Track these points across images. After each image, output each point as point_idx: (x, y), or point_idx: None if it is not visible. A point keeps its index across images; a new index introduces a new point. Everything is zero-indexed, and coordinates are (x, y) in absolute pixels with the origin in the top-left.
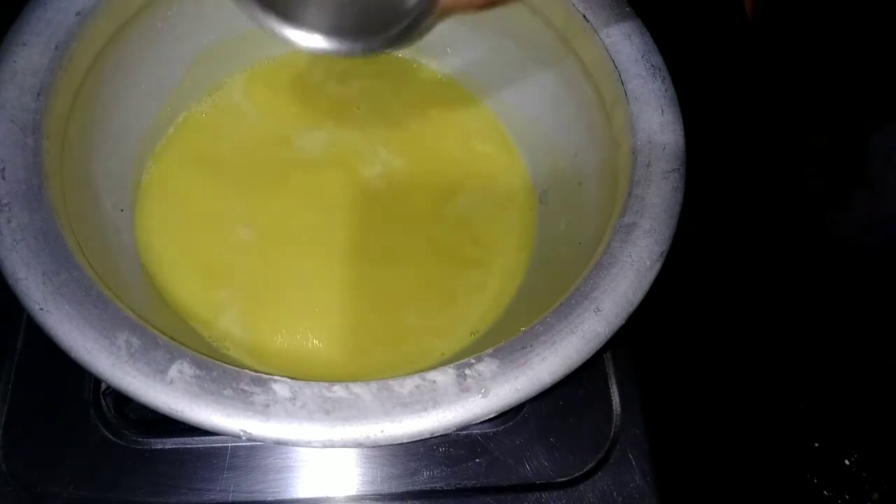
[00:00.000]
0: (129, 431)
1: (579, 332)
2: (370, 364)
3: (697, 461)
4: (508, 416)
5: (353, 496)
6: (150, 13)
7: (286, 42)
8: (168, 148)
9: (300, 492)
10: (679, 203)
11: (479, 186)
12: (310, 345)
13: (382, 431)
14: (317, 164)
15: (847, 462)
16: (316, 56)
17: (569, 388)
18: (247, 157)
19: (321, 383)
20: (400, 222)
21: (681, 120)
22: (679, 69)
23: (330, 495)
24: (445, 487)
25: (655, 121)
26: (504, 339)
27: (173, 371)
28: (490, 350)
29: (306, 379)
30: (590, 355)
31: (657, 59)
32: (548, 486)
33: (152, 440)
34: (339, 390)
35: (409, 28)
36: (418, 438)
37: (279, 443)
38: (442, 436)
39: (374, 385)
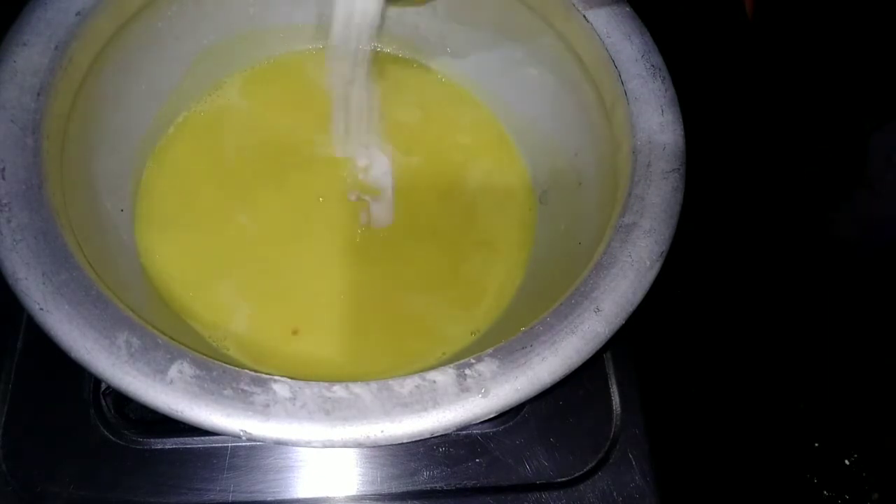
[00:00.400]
0: (129, 431)
1: (579, 332)
2: (370, 363)
3: (697, 461)
4: (508, 416)
5: (353, 496)
6: (150, 13)
7: None
8: (168, 148)
9: (300, 492)
10: (679, 203)
11: (479, 186)
12: (310, 344)
13: (382, 431)
14: (317, 164)
15: (847, 462)
16: (315, 56)
17: (569, 388)
18: (247, 157)
19: (321, 383)
20: (400, 222)
21: (681, 120)
22: (679, 69)
23: (330, 495)
24: (445, 487)
25: (655, 121)
26: (504, 338)
27: (173, 371)
28: (490, 350)
29: (306, 379)
30: (590, 355)
31: (657, 59)
32: (548, 486)
33: (152, 440)
34: (339, 390)
35: None
36: (418, 438)
37: (279, 443)
38: (442, 436)
39: (374, 385)
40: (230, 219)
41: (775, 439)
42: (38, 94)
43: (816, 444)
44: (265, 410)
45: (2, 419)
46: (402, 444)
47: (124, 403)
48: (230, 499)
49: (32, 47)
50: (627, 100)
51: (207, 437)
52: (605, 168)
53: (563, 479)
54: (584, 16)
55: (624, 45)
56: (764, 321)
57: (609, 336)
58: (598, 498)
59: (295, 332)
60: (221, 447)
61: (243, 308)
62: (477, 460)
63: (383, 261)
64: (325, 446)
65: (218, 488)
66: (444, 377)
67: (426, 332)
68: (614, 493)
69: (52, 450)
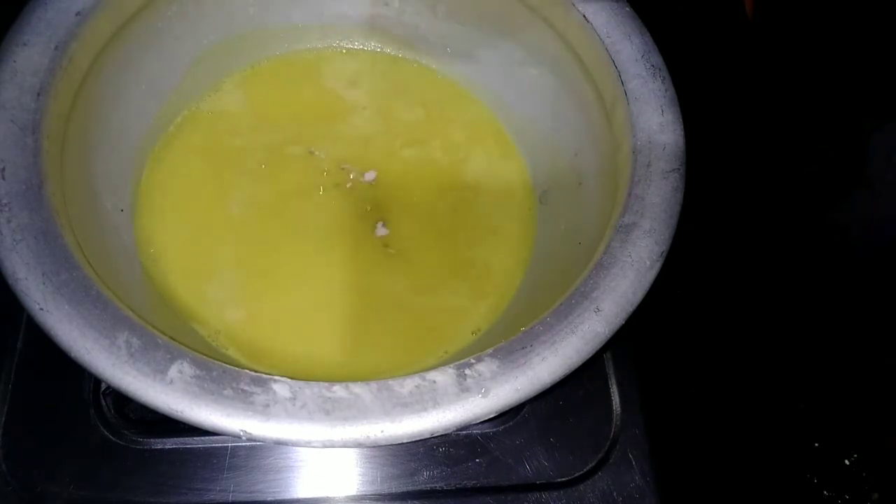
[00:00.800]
0: (129, 431)
1: (579, 332)
2: (370, 363)
3: (697, 461)
4: (508, 416)
5: (353, 496)
6: (150, 13)
7: None
8: (168, 148)
9: (300, 492)
10: (679, 203)
11: (480, 186)
12: (310, 344)
13: (382, 431)
14: (317, 164)
15: (847, 462)
16: (315, 55)
17: (569, 388)
18: (247, 157)
19: (321, 383)
20: (400, 222)
21: (681, 120)
22: (679, 69)
23: (330, 495)
24: (445, 487)
25: (655, 121)
26: (504, 338)
27: (173, 371)
28: (490, 350)
29: (306, 379)
30: (590, 355)
31: (657, 59)
32: (548, 486)
33: (152, 440)
34: (339, 390)
35: None
36: (418, 438)
37: (279, 443)
38: (442, 436)
39: (374, 385)
40: (230, 218)
41: (775, 439)
42: (38, 94)
43: (816, 444)
44: (265, 410)
45: (2, 419)
46: (402, 444)
47: (124, 403)
48: (230, 499)
49: (32, 47)
50: (627, 100)
51: (207, 437)
52: (605, 168)
53: (563, 479)
54: (584, 16)
55: (624, 45)
56: (764, 321)
57: (609, 336)
58: (598, 498)
59: (295, 332)
60: (221, 447)
61: (243, 308)
62: (477, 460)
63: (384, 260)
64: (325, 446)
65: (218, 488)
66: (444, 377)
67: (427, 332)
68: (614, 493)
69: (52, 450)
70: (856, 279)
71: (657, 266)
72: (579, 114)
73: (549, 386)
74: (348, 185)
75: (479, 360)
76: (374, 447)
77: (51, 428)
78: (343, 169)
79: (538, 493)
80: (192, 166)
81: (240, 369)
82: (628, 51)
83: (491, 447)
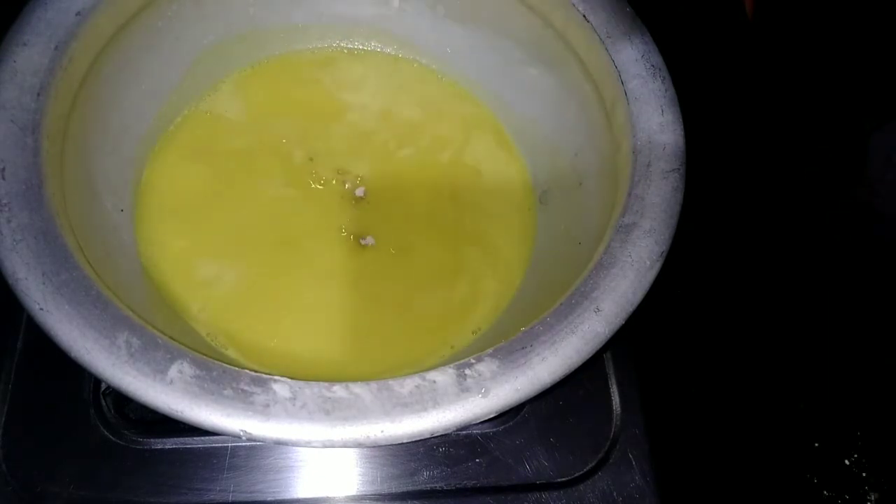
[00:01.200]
0: (129, 431)
1: (579, 332)
2: (370, 363)
3: (697, 461)
4: (508, 416)
5: (353, 496)
6: (150, 13)
7: None
8: (168, 148)
9: (300, 492)
10: (679, 203)
11: (479, 186)
12: (310, 344)
13: (382, 431)
14: (317, 163)
15: (847, 462)
16: (315, 56)
17: (569, 388)
18: (247, 156)
19: (321, 383)
20: (400, 222)
21: (681, 120)
22: (679, 69)
23: (330, 495)
24: (445, 487)
25: (655, 121)
26: (504, 338)
27: (173, 371)
28: (490, 350)
29: (306, 379)
30: (590, 355)
31: (657, 59)
32: (548, 486)
33: (152, 440)
34: (339, 390)
35: None
36: (418, 438)
37: (279, 443)
38: (442, 436)
39: (374, 385)
40: (230, 218)
41: (775, 439)
42: (38, 94)
43: (816, 444)
44: (265, 410)
45: (2, 419)
46: (402, 444)
47: (124, 403)
48: (230, 499)
49: (32, 47)
50: (627, 100)
51: (207, 437)
52: (605, 168)
53: (563, 479)
54: (584, 16)
55: (624, 45)
56: (764, 321)
57: (609, 336)
58: (598, 498)
59: (295, 332)
60: (221, 447)
61: (243, 307)
62: (477, 460)
63: (384, 260)
64: (325, 446)
65: (218, 488)
66: (444, 377)
67: (427, 332)
68: (614, 493)
69: (52, 450)
70: (855, 279)
71: (657, 266)
72: (579, 114)
73: (549, 386)
74: (348, 185)
75: (479, 360)
76: (374, 447)
77: (51, 428)
78: (343, 169)
79: (538, 493)
80: (192, 166)
81: (240, 369)
82: (628, 51)
83: (491, 447)
